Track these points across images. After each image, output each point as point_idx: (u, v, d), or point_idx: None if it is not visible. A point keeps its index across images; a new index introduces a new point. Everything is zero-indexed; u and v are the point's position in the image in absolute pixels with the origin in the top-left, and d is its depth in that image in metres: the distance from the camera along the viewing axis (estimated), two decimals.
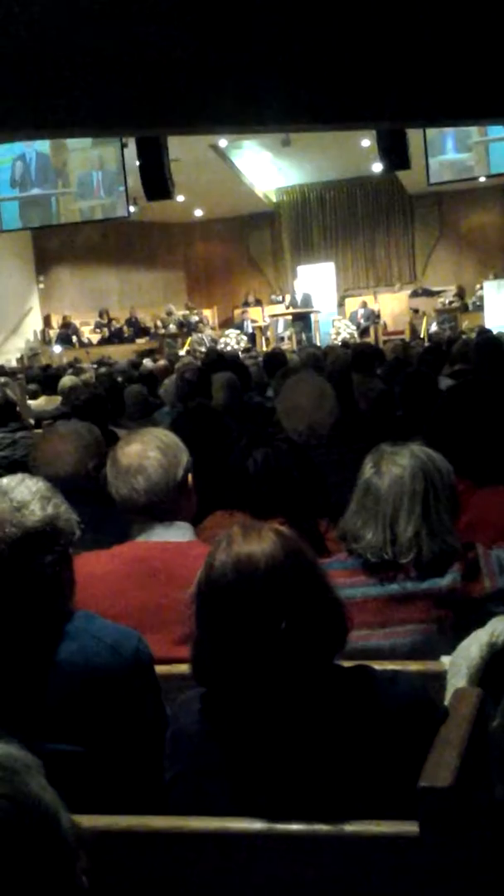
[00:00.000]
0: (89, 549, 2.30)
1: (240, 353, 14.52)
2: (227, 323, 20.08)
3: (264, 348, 16.07)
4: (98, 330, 19.31)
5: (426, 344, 11.94)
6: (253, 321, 18.89)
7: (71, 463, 3.17)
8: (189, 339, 17.82)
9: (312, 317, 17.31)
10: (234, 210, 20.10)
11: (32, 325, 19.29)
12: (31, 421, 6.91)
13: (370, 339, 16.37)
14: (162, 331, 18.86)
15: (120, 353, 16.90)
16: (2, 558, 1.73)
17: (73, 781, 1.25)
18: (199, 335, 18.13)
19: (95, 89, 5.67)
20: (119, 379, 8.98)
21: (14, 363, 16.30)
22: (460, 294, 18.65)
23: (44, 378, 10.74)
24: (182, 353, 15.81)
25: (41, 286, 19.59)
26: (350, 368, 6.76)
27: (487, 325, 14.20)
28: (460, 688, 1.77)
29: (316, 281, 18.51)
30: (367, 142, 14.66)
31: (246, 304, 19.95)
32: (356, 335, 16.79)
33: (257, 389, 6.89)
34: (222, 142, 16.46)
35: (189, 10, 5.43)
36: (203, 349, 15.63)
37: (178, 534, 2.38)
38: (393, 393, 5.14)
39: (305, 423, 3.72)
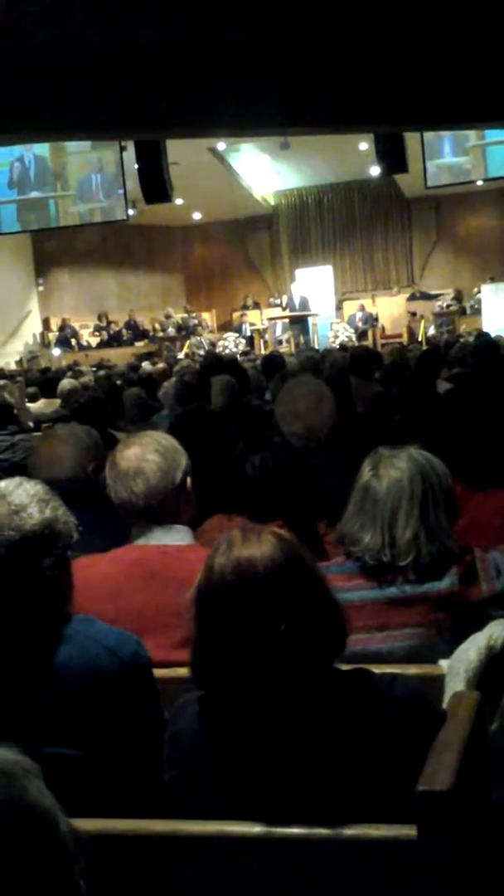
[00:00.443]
0: (88, 552, 2.30)
1: (238, 356, 14.53)
2: (225, 326, 20.09)
3: (262, 351, 16.08)
4: (97, 333, 19.32)
5: (424, 347, 11.95)
6: (251, 324, 18.90)
7: (69, 466, 3.17)
8: (188, 342, 17.82)
9: (310, 320, 17.32)
10: (232, 213, 20.12)
11: (31, 327, 19.29)
12: (30, 424, 6.91)
13: (368, 342, 16.37)
14: (161, 334, 18.86)
15: (119, 356, 16.91)
16: (0, 562, 1.73)
17: (72, 785, 1.25)
18: (198, 338, 18.13)
19: (94, 93, 5.68)
20: (118, 382, 8.99)
21: (13, 366, 16.30)
22: (458, 297, 18.66)
23: (43, 381, 10.74)
24: (181, 356, 15.82)
25: (40, 289, 19.59)
26: (348, 372, 6.77)
27: (485, 329, 14.22)
28: (458, 691, 1.77)
29: (314, 284, 18.52)
30: (364, 145, 14.67)
31: (244, 307, 19.96)
32: (354, 338, 16.79)
33: (255, 392, 6.89)
34: (221, 145, 16.47)
35: (188, 13, 5.44)
36: (202, 352, 15.64)
37: (176, 537, 2.38)
38: (391, 396, 5.14)
39: (303, 426, 3.73)
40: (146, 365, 12.52)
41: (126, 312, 19.69)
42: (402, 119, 6.64)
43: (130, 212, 13.80)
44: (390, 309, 18.76)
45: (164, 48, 5.51)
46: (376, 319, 18.20)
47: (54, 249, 19.11)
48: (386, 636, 2.17)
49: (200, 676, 1.63)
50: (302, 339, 16.72)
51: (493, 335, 10.62)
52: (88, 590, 2.12)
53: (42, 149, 12.95)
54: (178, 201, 14.10)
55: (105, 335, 19.19)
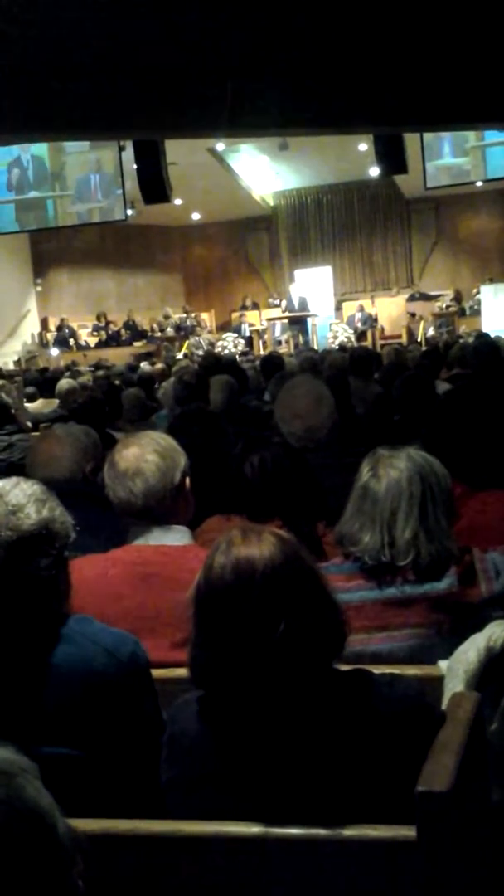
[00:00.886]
0: (86, 552, 2.30)
1: (237, 356, 14.52)
2: (224, 326, 20.09)
3: (261, 352, 16.08)
4: (95, 333, 19.32)
5: (423, 348, 11.95)
6: (250, 325, 18.90)
7: (67, 466, 3.16)
8: (186, 342, 17.82)
9: (310, 320, 17.32)
10: (231, 213, 20.13)
11: (30, 327, 19.29)
12: (29, 424, 6.90)
13: (367, 343, 16.37)
14: (159, 334, 18.86)
15: (117, 357, 16.91)
16: None
17: (70, 785, 1.25)
18: (197, 338, 18.14)
19: (93, 93, 5.68)
20: (116, 382, 8.99)
21: (11, 366, 16.30)
22: (457, 298, 18.67)
23: (41, 381, 10.75)
24: (179, 356, 15.82)
25: (38, 289, 19.59)
26: (347, 372, 6.76)
27: (485, 329, 14.23)
28: (458, 692, 1.77)
29: (313, 285, 18.53)
30: (364, 146, 14.67)
31: (243, 307, 19.96)
32: (353, 339, 16.79)
33: (254, 393, 6.89)
34: (220, 145, 16.47)
35: (186, 14, 5.44)
36: (200, 352, 15.63)
37: (175, 537, 2.37)
38: (390, 397, 5.14)
39: (303, 426, 3.72)
40: (145, 365, 12.53)
41: (124, 312, 19.69)
42: (401, 120, 6.64)
43: (129, 212, 13.79)
44: (389, 310, 18.77)
45: (164, 49, 5.51)
46: (375, 320, 18.21)
47: (53, 249, 19.11)
48: (385, 637, 2.17)
49: (199, 676, 1.63)
50: (301, 340, 16.72)
51: (492, 336, 10.62)
52: (86, 590, 2.12)
53: (40, 149, 12.95)
54: (177, 201, 14.10)
55: (103, 335, 19.19)
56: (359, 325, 17.88)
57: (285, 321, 17.85)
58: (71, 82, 5.60)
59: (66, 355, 17.67)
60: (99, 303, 19.81)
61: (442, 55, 5.65)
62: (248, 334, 18.42)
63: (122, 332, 19.34)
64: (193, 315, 19.85)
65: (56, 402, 8.36)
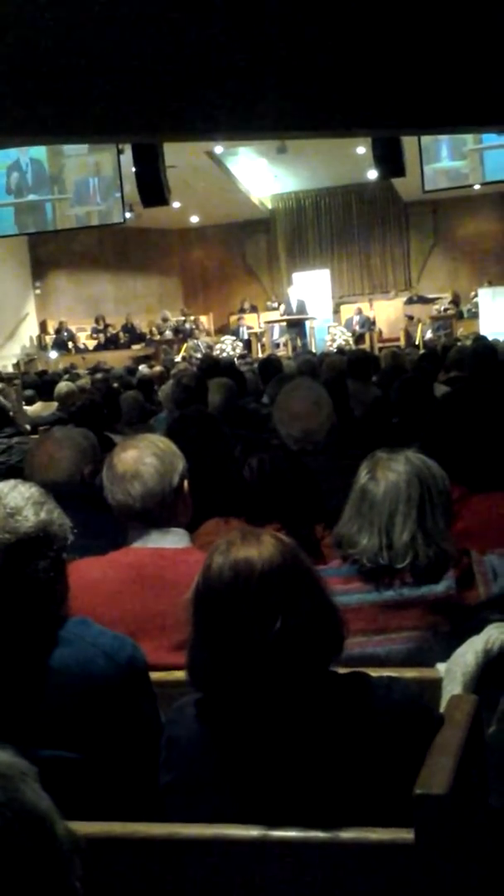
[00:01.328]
0: (85, 555, 2.30)
1: (235, 359, 14.53)
2: (222, 329, 20.10)
3: (260, 355, 16.08)
4: (94, 336, 19.31)
5: (421, 351, 11.95)
6: (249, 327, 18.91)
7: (66, 469, 3.16)
8: (185, 345, 17.83)
9: (308, 323, 17.32)
10: (229, 216, 20.14)
11: (28, 330, 19.29)
12: (27, 427, 6.90)
13: (366, 345, 16.38)
14: (158, 337, 18.86)
15: (116, 359, 16.92)
16: None
17: (68, 788, 1.24)
18: (195, 341, 18.14)
19: (91, 96, 5.68)
20: (115, 385, 8.99)
21: (10, 369, 16.29)
22: (455, 301, 18.68)
23: (40, 384, 10.74)
24: (178, 359, 15.82)
25: (37, 292, 19.59)
26: (346, 375, 6.76)
27: (483, 332, 14.23)
28: (456, 695, 1.77)
29: (311, 287, 18.54)
30: (362, 149, 14.68)
31: (242, 310, 19.97)
32: (351, 342, 16.80)
33: (253, 396, 6.89)
34: (218, 148, 16.48)
35: (184, 17, 5.44)
36: (199, 355, 15.64)
37: (173, 540, 2.37)
38: (388, 399, 5.14)
39: (301, 429, 3.72)
40: (143, 368, 12.54)
41: (123, 315, 19.69)
42: (399, 123, 6.65)
43: (128, 215, 13.80)
44: (388, 312, 18.77)
45: (161, 51, 5.51)
46: (374, 323, 18.21)
47: (51, 252, 19.12)
48: (383, 639, 2.17)
49: (197, 678, 1.63)
50: (299, 343, 16.73)
51: (490, 339, 10.63)
52: (85, 592, 2.12)
53: (39, 152, 12.95)
54: (176, 205, 14.10)
55: (102, 338, 19.19)
56: (357, 327, 17.89)
57: (283, 324, 17.86)
58: (68, 85, 5.60)
59: (64, 358, 17.67)
60: (97, 306, 19.81)
61: (440, 58, 5.66)
62: (246, 337, 18.42)
63: (121, 334, 19.34)
64: (192, 318, 19.85)
65: (55, 404, 8.36)
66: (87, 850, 1.03)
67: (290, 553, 1.61)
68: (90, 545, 2.31)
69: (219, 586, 1.57)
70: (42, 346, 18.98)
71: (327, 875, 1.47)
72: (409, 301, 19.03)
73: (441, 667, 1.95)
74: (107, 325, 19.45)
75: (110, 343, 19.04)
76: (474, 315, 17.37)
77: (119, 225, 14.04)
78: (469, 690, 1.80)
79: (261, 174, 18.83)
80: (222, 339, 18.29)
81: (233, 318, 19.92)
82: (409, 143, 10.30)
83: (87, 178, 13.20)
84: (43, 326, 19.48)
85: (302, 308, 17.50)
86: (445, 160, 12.81)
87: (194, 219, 19.91)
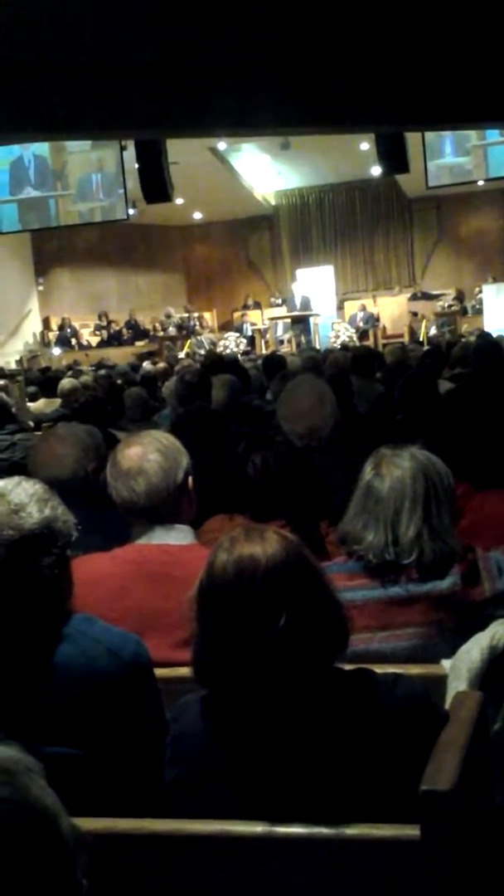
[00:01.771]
0: (89, 551, 2.30)
1: (239, 355, 14.51)
2: (226, 326, 20.09)
3: (263, 351, 16.07)
4: (97, 332, 19.31)
5: (425, 347, 11.94)
6: (252, 324, 18.89)
7: (70, 465, 3.16)
8: (188, 341, 17.82)
9: (312, 320, 17.31)
10: (232, 213, 20.12)
11: (32, 327, 19.28)
12: (31, 423, 6.90)
13: (369, 342, 16.37)
14: (161, 333, 18.85)
15: (119, 356, 16.91)
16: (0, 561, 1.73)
17: (73, 784, 1.25)
18: (199, 338, 18.13)
19: (95, 92, 5.68)
20: (118, 381, 8.99)
21: (13, 365, 16.27)
22: (459, 297, 18.65)
23: (43, 380, 10.73)
24: (181, 355, 15.82)
25: (40, 288, 19.58)
26: (350, 371, 6.76)
27: (487, 329, 14.22)
28: (461, 691, 1.77)
29: (315, 284, 18.52)
30: (366, 145, 14.67)
31: (245, 306, 19.95)
32: (355, 338, 16.78)
33: (256, 392, 6.89)
34: (221, 144, 16.47)
35: (188, 13, 5.43)
36: (202, 352, 15.63)
37: (178, 536, 2.37)
38: (392, 396, 5.13)
39: (305, 426, 3.72)
40: (147, 364, 12.53)
41: (126, 312, 19.68)
42: (403, 119, 6.64)
43: (131, 211, 13.79)
44: (391, 309, 18.75)
45: (165, 47, 5.51)
46: (377, 319, 18.19)
47: (54, 249, 19.10)
48: (388, 636, 2.17)
49: (202, 675, 1.63)
50: (303, 339, 16.71)
51: (494, 335, 10.62)
52: (89, 589, 2.12)
53: (42, 148, 12.94)
54: (179, 201, 14.10)
55: (105, 334, 19.19)
56: (361, 324, 17.87)
57: (287, 320, 17.84)
58: (71, 82, 5.60)
59: (67, 355, 17.67)
60: (101, 302, 19.80)
61: (444, 54, 5.65)
62: (250, 333, 18.40)
63: (124, 331, 19.33)
64: (195, 314, 19.83)
65: (58, 401, 8.36)
66: (92, 846, 1.03)
67: (293, 550, 1.60)
68: (94, 542, 2.31)
69: (223, 583, 1.57)
70: (45, 343, 18.98)
71: (332, 871, 1.47)
72: (413, 297, 19.00)
73: (446, 663, 1.95)
74: (110, 322, 19.44)
75: (113, 340, 19.03)
76: (478, 311, 17.33)
77: (122, 221, 14.03)
78: (474, 687, 1.79)
79: (264, 170, 18.81)
80: (226, 335, 18.28)
81: (236, 315, 19.90)
82: (412, 139, 10.28)
83: (90, 174, 13.20)
84: (46, 323, 19.48)
85: (306, 304, 17.48)
86: (449, 156, 12.79)
87: (197, 215, 19.89)
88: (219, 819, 1.52)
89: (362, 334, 17.29)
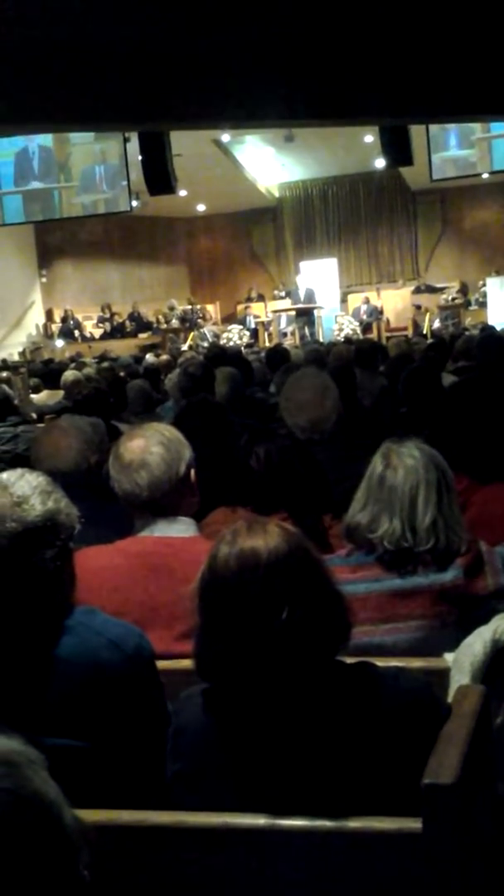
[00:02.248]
0: (92, 544, 2.30)
1: (242, 348, 14.50)
2: (229, 318, 20.07)
3: (267, 344, 16.06)
4: (100, 324, 19.30)
5: (429, 340, 11.93)
6: (255, 316, 18.87)
7: (73, 458, 3.16)
8: (192, 333, 17.80)
9: (315, 312, 17.28)
10: (236, 205, 20.08)
11: (35, 319, 19.28)
12: (33, 415, 6.91)
13: (373, 335, 16.35)
14: (164, 326, 18.83)
15: (122, 348, 16.91)
16: (2, 553, 1.73)
17: (76, 776, 1.25)
18: (202, 330, 18.11)
19: (98, 84, 5.67)
20: (121, 374, 8.99)
21: (16, 357, 16.30)
22: (463, 290, 18.62)
23: (46, 372, 10.74)
24: (184, 347, 15.80)
25: (43, 280, 19.57)
26: (353, 364, 6.75)
27: (491, 322, 14.20)
28: (464, 685, 1.77)
29: (318, 276, 18.48)
30: (369, 138, 14.62)
31: (249, 299, 19.93)
32: (359, 331, 16.76)
33: (260, 385, 6.88)
34: (225, 136, 16.42)
35: (192, 5, 5.42)
36: (205, 344, 15.62)
37: (180, 529, 2.37)
38: (396, 389, 5.13)
39: (308, 418, 3.72)
40: (150, 357, 12.53)
41: (129, 304, 19.67)
42: (407, 111, 6.62)
43: (134, 203, 13.77)
44: (395, 302, 18.72)
45: (168, 39, 5.49)
46: (381, 312, 18.16)
47: (58, 241, 19.09)
48: (391, 628, 2.17)
49: (204, 668, 1.63)
50: (307, 332, 16.69)
51: (498, 328, 10.60)
52: (92, 581, 2.12)
53: (46, 140, 12.92)
54: (182, 193, 14.06)
55: (108, 327, 19.17)
56: (364, 317, 17.84)
57: (291, 313, 17.82)
58: (74, 73, 5.59)
59: (70, 347, 17.67)
60: (104, 294, 19.79)
61: (448, 46, 5.63)
62: (253, 326, 18.39)
63: (127, 323, 19.32)
64: (199, 307, 19.81)
65: (61, 393, 8.37)
66: (94, 838, 1.03)
67: (296, 543, 1.60)
68: (96, 534, 2.31)
69: (225, 576, 1.57)
70: (48, 335, 18.98)
71: (334, 864, 1.47)
72: (417, 290, 18.97)
73: (449, 656, 1.94)
74: (113, 314, 19.43)
75: (116, 332, 19.02)
76: (482, 304, 17.31)
77: (125, 213, 14.02)
78: (477, 680, 1.79)
79: (268, 162, 18.77)
80: (229, 327, 18.26)
81: (240, 307, 19.88)
82: (416, 131, 10.26)
83: (93, 166, 13.18)
84: (49, 315, 19.47)
85: (310, 297, 17.45)
86: (453, 149, 12.75)
87: (201, 207, 19.86)
88: (221, 811, 1.52)
89: (366, 327, 17.27)
